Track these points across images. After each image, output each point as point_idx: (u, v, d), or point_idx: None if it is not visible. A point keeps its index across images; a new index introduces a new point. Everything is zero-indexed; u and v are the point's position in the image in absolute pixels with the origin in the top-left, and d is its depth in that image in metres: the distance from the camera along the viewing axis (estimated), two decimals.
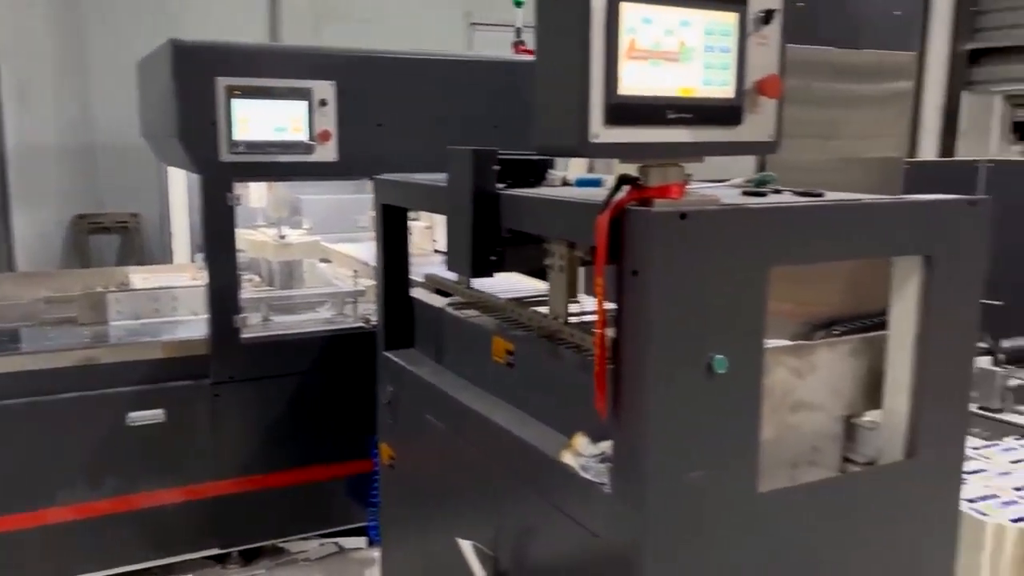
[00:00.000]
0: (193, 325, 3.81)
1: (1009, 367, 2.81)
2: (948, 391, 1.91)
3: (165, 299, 3.98)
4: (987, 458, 2.72)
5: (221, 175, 3.42)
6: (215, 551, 3.69)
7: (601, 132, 1.50)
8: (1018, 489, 2.46)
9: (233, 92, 3.35)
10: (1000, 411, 2.78)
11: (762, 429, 1.70)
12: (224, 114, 3.35)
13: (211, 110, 3.34)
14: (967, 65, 9.47)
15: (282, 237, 4.05)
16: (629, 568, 1.65)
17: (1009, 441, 2.88)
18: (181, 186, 4.92)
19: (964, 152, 8.36)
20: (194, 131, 3.35)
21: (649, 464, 1.60)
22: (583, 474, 1.81)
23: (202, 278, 3.63)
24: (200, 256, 4.14)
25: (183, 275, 4.43)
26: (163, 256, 5.77)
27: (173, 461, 3.55)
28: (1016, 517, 2.29)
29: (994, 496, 2.42)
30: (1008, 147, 8.11)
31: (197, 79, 3.32)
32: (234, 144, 3.38)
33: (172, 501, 3.56)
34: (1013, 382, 2.77)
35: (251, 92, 3.38)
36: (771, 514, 1.75)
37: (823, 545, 1.83)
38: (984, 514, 2.30)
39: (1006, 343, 2.94)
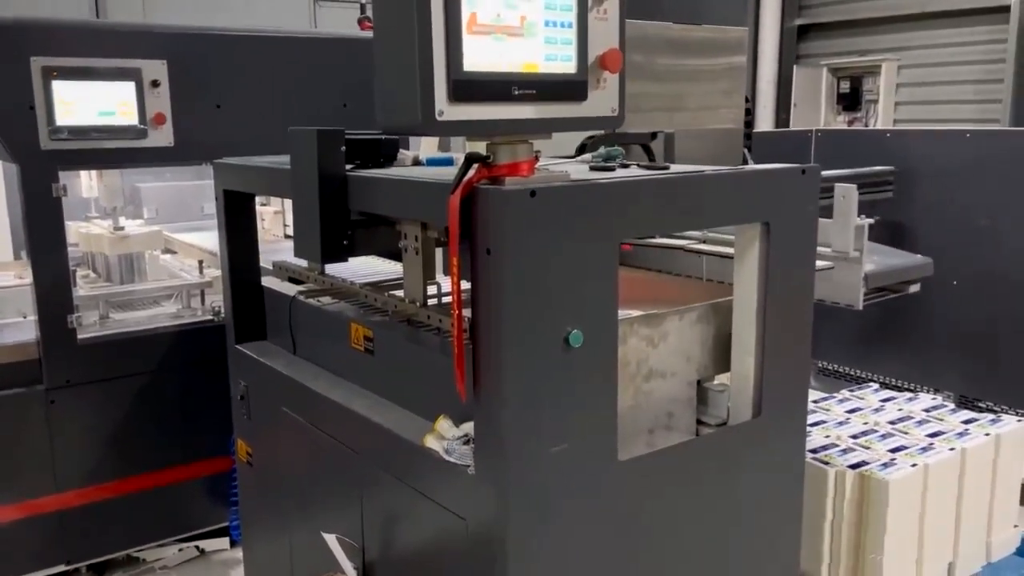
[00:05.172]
0: (22, 327, 3.51)
1: None
2: (790, 352, 2.01)
3: None
4: (826, 410, 2.90)
5: (43, 164, 3.17)
6: (62, 568, 3.45)
7: (446, 109, 1.47)
8: (854, 437, 2.65)
9: (51, 73, 3.11)
10: None
11: (619, 399, 1.73)
12: (43, 97, 3.11)
13: (27, 93, 3.09)
14: (796, 40, 10.06)
15: (119, 229, 3.80)
16: (496, 548, 1.65)
17: (844, 393, 3.09)
18: None
19: (797, 122, 8.88)
20: (8, 116, 3.09)
21: (510, 441, 1.59)
22: (447, 457, 1.79)
23: (29, 276, 3.35)
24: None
25: (7, 274, 4.08)
26: None
27: (6, 476, 3.29)
28: (853, 463, 2.46)
29: (834, 445, 2.58)
30: (835, 117, 8.69)
31: (8, 59, 3.05)
32: (56, 130, 3.14)
33: (9, 519, 3.31)
34: None
35: (72, 73, 3.14)
36: (631, 481, 1.79)
37: (681, 506, 1.89)
38: (826, 463, 2.45)
39: None
